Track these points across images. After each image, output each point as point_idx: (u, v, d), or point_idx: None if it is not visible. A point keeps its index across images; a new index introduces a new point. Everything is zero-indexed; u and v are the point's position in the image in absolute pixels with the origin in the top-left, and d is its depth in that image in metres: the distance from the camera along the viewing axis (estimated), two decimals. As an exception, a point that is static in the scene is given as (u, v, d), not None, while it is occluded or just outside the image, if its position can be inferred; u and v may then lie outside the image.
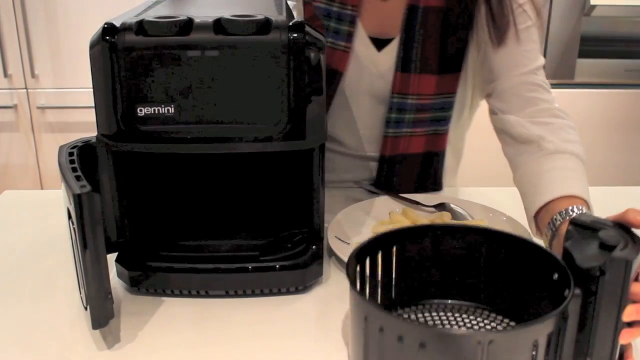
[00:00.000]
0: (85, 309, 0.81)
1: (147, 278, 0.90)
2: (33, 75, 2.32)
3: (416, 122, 1.19)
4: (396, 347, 0.66)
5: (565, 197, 0.92)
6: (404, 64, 1.15)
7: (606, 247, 0.70)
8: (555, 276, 0.76)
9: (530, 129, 1.04)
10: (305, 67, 0.81)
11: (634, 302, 0.71)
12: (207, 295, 0.90)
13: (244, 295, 0.90)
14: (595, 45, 2.44)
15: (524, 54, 1.11)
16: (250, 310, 0.88)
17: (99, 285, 0.77)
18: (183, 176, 0.97)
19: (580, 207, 0.89)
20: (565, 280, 0.73)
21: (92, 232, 0.74)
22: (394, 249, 0.83)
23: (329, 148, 1.24)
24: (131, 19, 0.81)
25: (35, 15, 2.26)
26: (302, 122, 0.83)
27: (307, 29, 0.81)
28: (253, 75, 0.80)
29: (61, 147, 0.86)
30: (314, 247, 0.92)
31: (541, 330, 0.67)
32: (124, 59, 0.80)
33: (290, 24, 0.80)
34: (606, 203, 1.25)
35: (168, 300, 0.90)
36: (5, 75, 2.32)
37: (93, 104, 0.84)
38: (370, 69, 1.18)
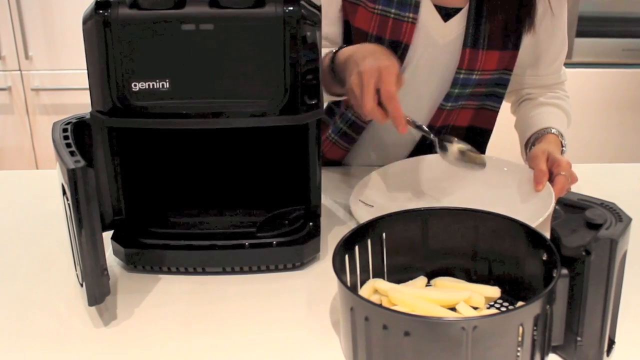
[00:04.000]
0: (82, 285, 0.81)
1: (144, 256, 0.89)
2: (27, 56, 2.30)
3: (472, 96, 1.18)
4: (382, 335, 0.67)
5: (544, 128, 1.17)
6: (473, 39, 1.12)
7: (592, 226, 0.71)
8: (545, 257, 0.76)
9: (532, 93, 1.25)
10: (301, 41, 0.80)
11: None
12: (204, 272, 0.90)
13: (241, 272, 0.90)
14: (593, 24, 2.43)
15: (561, 43, 1.21)
16: (247, 287, 0.88)
17: (94, 261, 0.76)
18: (179, 152, 0.97)
19: (550, 130, 1.16)
20: (554, 260, 0.73)
21: (87, 207, 0.74)
22: (384, 234, 0.83)
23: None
24: (124, -8, 0.80)
25: (29, -4, 2.24)
26: (297, 97, 0.82)
27: (303, 2, 0.80)
28: (248, 49, 0.80)
29: (55, 124, 0.85)
30: (311, 223, 0.92)
31: (526, 314, 0.67)
32: (118, 34, 0.79)
33: (286, -4, 0.79)
34: (603, 180, 1.25)
35: (165, 278, 0.89)
36: (-1, 57, 2.31)
37: (88, 86, 0.84)
38: (435, 40, 1.14)
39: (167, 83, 0.80)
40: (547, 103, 1.22)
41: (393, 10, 1.12)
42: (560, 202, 0.76)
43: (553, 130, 1.15)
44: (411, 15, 1.11)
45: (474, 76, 1.14)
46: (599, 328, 0.72)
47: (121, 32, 0.79)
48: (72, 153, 0.76)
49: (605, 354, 0.74)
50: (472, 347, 0.65)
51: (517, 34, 1.15)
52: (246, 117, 0.82)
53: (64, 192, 0.78)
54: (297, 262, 0.90)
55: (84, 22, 0.81)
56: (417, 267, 0.86)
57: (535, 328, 0.68)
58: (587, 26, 2.41)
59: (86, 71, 0.83)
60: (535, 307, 0.67)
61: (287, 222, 0.92)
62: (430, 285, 0.85)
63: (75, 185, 0.72)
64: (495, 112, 1.23)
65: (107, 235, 0.90)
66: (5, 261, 0.95)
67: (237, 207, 0.96)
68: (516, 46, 1.16)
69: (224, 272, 0.90)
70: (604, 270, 0.69)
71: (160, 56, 0.79)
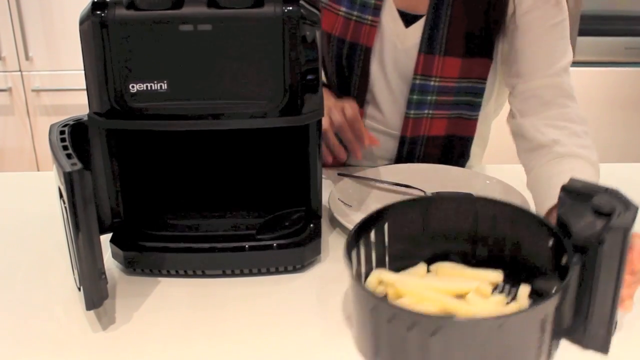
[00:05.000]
0: (79, 289, 0.80)
1: (142, 258, 0.89)
2: (27, 57, 2.29)
3: (439, 105, 1.15)
4: (407, 335, 0.66)
5: None
6: (428, 44, 1.12)
7: (601, 214, 0.71)
8: (550, 243, 0.76)
9: (545, 134, 1.04)
10: (300, 41, 0.79)
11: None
12: (204, 275, 0.89)
13: (241, 274, 0.89)
14: (595, 23, 2.42)
15: (551, 51, 1.09)
16: (247, 290, 0.87)
17: (92, 265, 0.75)
18: (177, 154, 0.96)
19: None
20: (560, 247, 0.73)
21: (84, 210, 0.73)
22: (386, 224, 0.83)
23: (366, 124, 1.22)
24: (122, -8, 0.79)
25: (29, -4, 2.24)
26: (297, 98, 0.81)
27: (302, 2, 0.79)
28: (247, 49, 0.79)
29: (52, 126, 0.85)
30: (311, 225, 0.91)
31: (549, 306, 0.67)
32: (115, 34, 0.78)
33: (285, -4, 0.79)
34: (606, 180, 1.24)
35: (164, 281, 0.89)
36: (-1, 57, 2.30)
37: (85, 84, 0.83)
38: (396, 44, 1.15)
39: (165, 84, 0.79)
40: (574, 155, 1.01)
41: (355, 13, 1.13)
42: (564, 189, 0.75)
43: None
44: (370, 18, 1.13)
45: (431, 82, 1.13)
46: (608, 312, 0.73)
47: (118, 33, 0.78)
48: (69, 156, 0.76)
49: (613, 330, 0.75)
50: (498, 343, 0.66)
51: (487, 41, 1.11)
52: (246, 118, 0.82)
53: (61, 195, 0.77)
54: (298, 265, 0.90)
55: (81, 22, 0.80)
56: (416, 254, 0.86)
57: (553, 319, 0.69)
58: (589, 25, 2.41)
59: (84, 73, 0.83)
60: (555, 299, 0.68)
61: (287, 223, 0.91)
62: (430, 272, 0.86)
63: (72, 189, 0.72)
64: (473, 121, 1.19)
65: (106, 238, 0.90)
66: (3, 264, 0.94)
67: (237, 209, 0.95)
68: (486, 53, 1.12)
69: (224, 274, 0.89)
70: (616, 258, 0.70)
71: (158, 57, 0.79)
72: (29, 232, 1.03)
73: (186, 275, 0.89)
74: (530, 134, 1.06)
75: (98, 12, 0.78)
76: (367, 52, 1.15)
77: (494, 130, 1.33)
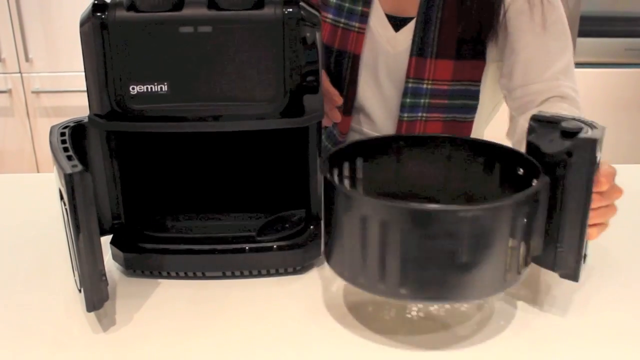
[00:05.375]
0: (80, 291, 0.80)
1: (143, 260, 0.88)
2: (27, 59, 2.29)
3: (432, 108, 1.15)
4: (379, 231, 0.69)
5: None
6: (419, 48, 1.11)
7: (569, 134, 0.74)
8: (521, 171, 0.79)
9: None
10: (301, 43, 0.79)
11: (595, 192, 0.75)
12: (204, 276, 0.89)
13: (241, 276, 0.89)
14: (595, 24, 2.42)
15: (545, 54, 1.08)
16: (247, 291, 0.87)
17: (92, 267, 0.75)
18: (178, 156, 0.96)
19: None
20: (531, 173, 0.76)
21: (85, 212, 0.73)
22: (358, 160, 0.86)
23: (356, 129, 1.22)
24: (122, -6, 0.79)
25: (29, -2, 2.24)
26: (298, 99, 0.81)
27: (302, 3, 0.79)
28: (247, 51, 0.79)
29: (52, 127, 0.85)
30: (312, 226, 0.91)
31: (519, 208, 0.69)
32: (115, 36, 0.78)
33: (285, -2, 0.79)
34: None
35: (164, 282, 0.89)
36: (-1, 59, 2.30)
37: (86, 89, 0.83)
38: (386, 49, 1.14)
39: (166, 86, 0.79)
40: (553, 99, 1.07)
41: (343, 20, 1.13)
42: (533, 118, 0.78)
43: None
44: (358, 24, 1.12)
45: (424, 85, 1.12)
46: (578, 233, 0.75)
47: (119, 34, 0.78)
48: (69, 157, 0.76)
49: (583, 260, 0.77)
50: (470, 236, 0.68)
51: (479, 43, 1.11)
52: (246, 119, 0.82)
53: (62, 197, 0.77)
54: (298, 266, 0.90)
55: (81, 24, 0.80)
56: (392, 191, 0.89)
57: (520, 233, 0.71)
58: (589, 26, 2.41)
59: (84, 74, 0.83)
60: (522, 196, 0.69)
61: (287, 225, 0.91)
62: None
63: (73, 190, 0.72)
64: (469, 123, 1.18)
65: (106, 240, 0.90)
66: (4, 266, 0.94)
67: (237, 211, 0.95)
68: (479, 55, 1.12)
69: (224, 276, 0.89)
70: (584, 171, 0.72)
71: (158, 59, 0.79)
72: (29, 234, 1.03)
73: (186, 277, 0.89)
74: (522, 126, 1.07)
75: (98, 14, 0.78)
76: (356, 59, 1.14)
77: (489, 131, 1.33)
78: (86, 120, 0.85)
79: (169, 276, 0.89)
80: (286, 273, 0.90)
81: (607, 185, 0.78)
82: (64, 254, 0.88)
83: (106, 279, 0.79)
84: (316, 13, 0.81)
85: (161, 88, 0.80)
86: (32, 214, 1.09)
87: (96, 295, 0.77)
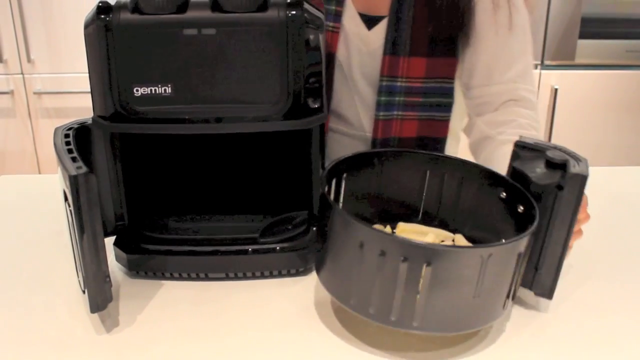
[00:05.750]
0: (84, 292, 0.80)
1: (146, 261, 0.89)
2: (29, 60, 2.29)
3: (407, 106, 1.15)
4: (400, 267, 0.69)
5: None
6: (392, 46, 1.12)
7: (555, 165, 0.77)
8: (503, 195, 0.83)
9: (491, 127, 1.10)
10: (304, 45, 0.80)
11: None
12: (207, 278, 0.89)
13: (244, 277, 0.89)
14: (596, 26, 2.42)
15: (505, 57, 1.10)
16: (250, 293, 0.87)
17: (96, 268, 0.76)
18: (181, 157, 0.96)
19: None
20: (514, 198, 0.80)
21: (89, 213, 0.73)
22: (344, 177, 0.88)
23: (334, 128, 1.22)
24: (126, -3, 0.80)
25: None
26: (301, 101, 0.82)
27: (306, 6, 0.80)
28: (251, 53, 0.79)
29: (57, 129, 0.85)
30: (314, 228, 0.91)
31: (525, 241, 0.72)
32: (120, 38, 0.79)
33: (288, 1, 0.79)
34: (607, 183, 1.24)
35: (167, 284, 0.89)
36: (1, 60, 2.30)
37: (90, 90, 0.83)
38: (360, 47, 1.15)
39: (170, 88, 0.80)
40: (509, 141, 1.04)
41: None
42: (518, 144, 0.82)
43: None
44: (332, 24, 1.13)
45: (398, 83, 1.13)
46: (557, 259, 0.79)
47: (123, 37, 0.78)
48: (73, 159, 0.76)
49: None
50: (484, 272, 0.70)
51: (451, 41, 1.12)
52: (249, 122, 0.82)
53: (66, 199, 0.77)
54: (301, 268, 0.90)
55: (86, 26, 0.80)
56: (370, 214, 0.92)
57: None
58: (590, 28, 2.41)
59: (88, 76, 0.83)
60: (527, 238, 0.73)
61: (290, 227, 0.91)
62: (394, 232, 0.91)
63: (77, 192, 0.72)
64: (445, 122, 1.18)
65: (110, 241, 0.90)
66: (7, 267, 0.94)
67: (240, 212, 0.95)
68: (451, 53, 1.12)
69: (227, 277, 0.89)
70: (572, 204, 0.76)
71: (162, 61, 0.79)
72: (30, 235, 1.03)
73: (189, 278, 0.89)
74: (481, 130, 1.12)
75: (103, 16, 0.78)
76: (330, 57, 1.15)
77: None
78: (90, 121, 0.85)
79: (171, 277, 0.89)
80: (289, 275, 0.90)
81: (584, 214, 0.85)
82: (66, 255, 0.88)
83: (110, 280, 0.79)
84: (319, 15, 0.82)
85: (165, 90, 0.80)
86: (33, 215, 1.09)
87: (100, 296, 0.77)
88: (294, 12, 0.78)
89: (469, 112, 1.18)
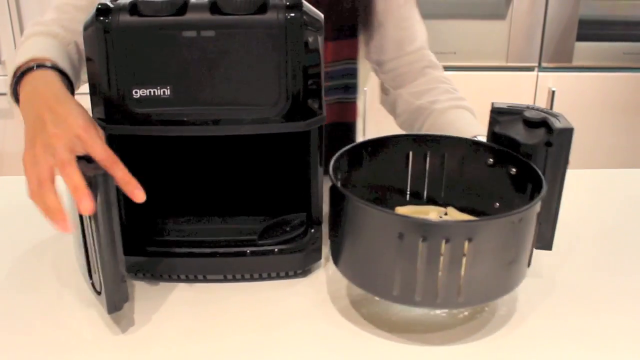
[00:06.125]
0: (99, 293, 0.80)
1: (145, 263, 0.89)
2: (27, 61, 2.29)
3: None
4: (441, 247, 0.71)
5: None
6: None
7: (535, 124, 0.81)
8: (490, 161, 0.86)
9: (421, 98, 1.15)
10: (303, 47, 0.80)
11: None
12: (205, 280, 0.89)
13: (243, 279, 0.89)
14: (593, 28, 2.43)
15: (412, 28, 1.17)
16: (249, 295, 0.87)
17: (114, 269, 0.76)
18: (180, 159, 0.96)
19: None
20: (501, 162, 0.83)
21: (108, 214, 0.74)
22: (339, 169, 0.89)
23: None
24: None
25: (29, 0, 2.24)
26: (300, 103, 0.82)
27: (305, 7, 0.80)
28: (250, 55, 0.79)
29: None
30: (312, 230, 0.91)
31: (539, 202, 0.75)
32: (118, 40, 0.79)
33: (288, 3, 0.79)
34: (605, 185, 1.25)
35: (166, 285, 0.89)
36: (-1, 61, 2.30)
37: (88, 92, 0.83)
38: None
39: (169, 90, 0.80)
40: (455, 106, 1.13)
41: None
42: (494, 110, 0.85)
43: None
44: None
45: None
46: (554, 210, 0.83)
47: (122, 39, 0.79)
48: (88, 160, 0.76)
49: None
50: (518, 238, 0.74)
51: (352, 22, 1.15)
52: (248, 123, 0.82)
53: None
54: (299, 270, 0.90)
55: (85, 28, 0.80)
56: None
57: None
58: (587, 30, 2.41)
59: (87, 78, 0.83)
60: (543, 194, 0.76)
61: (288, 229, 0.91)
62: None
63: (96, 193, 0.72)
64: (353, 104, 1.22)
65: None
66: (11, 270, 0.94)
67: (239, 214, 0.95)
68: (353, 34, 1.16)
69: (226, 279, 0.89)
70: (562, 158, 0.80)
71: (161, 63, 0.79)
72: (30, 237, 1.03)
73: (188, 280, 0.89)
74: (409, 101, 1.16)
75: (102, 18, 0.78)
76: None
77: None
78: (89, 123, 0.85)
79: (170, 279, 0.89)
80: (287, 276, 0.90)
81: None
82: (69, 257, 0.88)
83: (126, 280, 0.79)
84: (318, 17, 0.82)
85: (164, 92, 0.80)
86: (32, 216, 1.09)
87: (117, 296, 0.78)
88: (292, 15, 0.79)
89: (387, 86, 1.21)
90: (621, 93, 2.47)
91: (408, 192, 0.96)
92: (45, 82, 0.86)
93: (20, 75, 0.89)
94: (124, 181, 0.74)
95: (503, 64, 2.43)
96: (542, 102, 2.45)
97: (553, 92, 2.41)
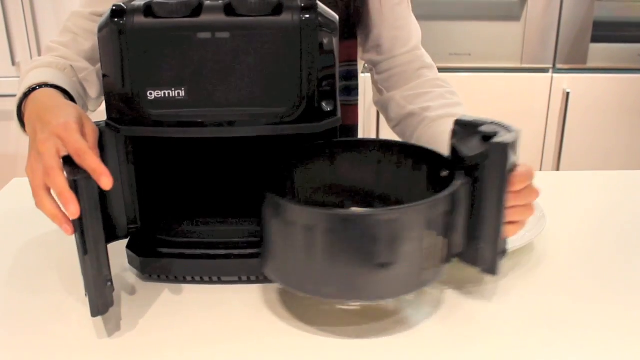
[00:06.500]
0: (86, 296, 0.80)
1: (159, 265, 0.89)
2: (41, 63, 2.30)
3: None
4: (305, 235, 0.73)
5: None
6: None
7: (488, 138, 0.79)
8: (445, 173, 0.85)
9: (413, 103, 1.13)
10: (318, 48, 0.80)
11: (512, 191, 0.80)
12: (220, 281, 0.89)
13: (257, 281, 0.89)
14: (608, 30, 2.42)
15: (407, 28, 1.17)
16: (263, 296, 0.87)
17: (97, 273, 0.76)
18: (194, 160, 0.96)
19: None
20: (454, 171, 0.82)
21: (90, 218, 0.74)
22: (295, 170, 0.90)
23: None
24: (140, 0, 0.80)
25: (43, 2, 2.25)
26: (314, 105, 0.81)
27: (320, 9, 0.79)
28: (265, 57, 0.79)
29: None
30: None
31: (433, 208, 0.75)
32: (133, 42, 0.79)
33: (303, 4, 0.79)
34: (620, 187, 1.24)
35: (180, 287, 0.89)
36: (13, 63, 2.31)
37: (103, 94, 0.83)
38: None
39: (183, 92, 0.80)
40: (446, 115, 1.09)
41: None
42: (457, 122, 0.83)
43: None
44: None
45: None
46: (494, 231, 0.80)
47: (136, 40, 0.79)
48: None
49: (500, 256, 0.82)
50: (387, 239, 0.72)
51: (350, 22, 1.14)
52: (263, 125, 0.82)
53: None
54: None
55: (99, 30, 0.80)
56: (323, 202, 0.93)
57: (442, 230, 0.77)
58: (602, 31, 2.40)
59: (101, 79, 0.83)
60: (440, 200, 0.75)
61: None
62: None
63: (78, 197, 0.72)
64: (354, 106, 1.21)
65: (123, 245, 0.90)
66: (16, 269, 0.94)
67: (253, 216, 0.94)
68: (351, 35, 1.15)
69: (240, 281, 0.89)
70: (497, 173, 0.78)
71: (176, 64, 0.79)
72: (42, 237, 1.03)
73: (202, 281, 0.89)
74: (401, 105, 1.14)
75: (117, 20, 0.78)
76: None
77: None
78: (103, 124, 0.85)
79: (184, 281, 0.89)
80: (301, 278, 0.90)
81: (520, 185, 0.81)
82: (76, 258, 0.88)
83: (112, 284, 0.79)
84: (333, 19, 0.82)
85: (178, 93, 0.80)
86: (46, 217, 1.09)
87: (100, 300, 0.77)
88: (307, 16, 0.78)
89: (381, 87, 1.19)
90: (636, 94, 2.46)
91: (375, 198, 0.95)
92: (38, 98, 0.89)
93: (20, 102, 0.92)
94: (91, 169, 0.74)
95: (518, 65, 2.42)
96: (556, 104, 2.44)
97: (568, 93, 2.40)
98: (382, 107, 1.20)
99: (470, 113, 1.10)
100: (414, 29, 1.19)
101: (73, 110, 0.81)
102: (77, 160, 0.74)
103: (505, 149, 0.77)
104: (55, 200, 0.75)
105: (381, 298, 0.80)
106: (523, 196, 0.82)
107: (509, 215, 0.81)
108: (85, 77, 1.06)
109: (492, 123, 0.82)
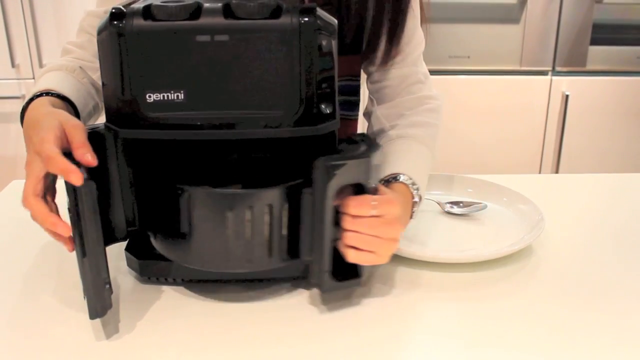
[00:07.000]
0: (84, 298, 0.80)
1: (157, 266, 0.89)
2: (41, 65, 2.31)
3: None
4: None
5: (392, 174, 1.00)
6: None
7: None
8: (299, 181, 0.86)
9: (388, 119, 1.12)
10: (317, 51, 0.80)
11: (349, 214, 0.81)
12: (220, 282, 0.89)
13: (256, 282, 0.89)
14: (607, 32, 2.42)
15: (413, 35, 1.13)
16: (262, 298, 0.87)
17: (95, 275, 0.76)
18: (193, 163, 0.96)
19: (398, 176, 0.99)
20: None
21: (88, 221, 0.74)
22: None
23: None
24: (139, 3, 0.80)
25: (43, 4, 2.25)
26: (313, 108, 0.82)
27: (319, 12, 0.80)
28: (264, 59, 0.79)
29: (67, 135, 0.85)
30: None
31: (270, 196, 0.81)
32: (132, 45, 0.79)
33: (301, 7, 0.79)
34: (619, 190, 1.24)
35: (179, 289, 0.89)
36: (13, 65, 2.32)
37: (102, 96, 0.83)
38: None
39: (182, 94, 0.80)
40: (402, 135, 1.08)
41: None
42: (343, 141, 0.87)
43: (402, 178, 0.99)
44: None
45: None
46: (320, 248, 0.82)
47: (136, 43, 0.79)
48: (76, 165, 0.76)
49: (328, 275, 0.83)
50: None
51: (357, 38, 1.12)
52: (261, 128, 0.82)
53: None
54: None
55: (99, 33, 0.80)
56: None
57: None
58: (601, 34, 2.40)
59: (100, 82, 0.83)
60: (270, 192, 0.81)
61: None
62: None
63: (76, 199, 0.72)
64: (354, 121, 1.21)
65: (121, 246, 0.90)
66: (16, 271, 0.94)
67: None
68: (356, 50, 1.13)
69: (238, 282, 0.89)
70: (320, 192, 0.81)
71: (175, 67, 0.79)
72: (42, 239, 1.03)
73: (201, 282, 0.89)
74: (378, 121, 1.14)
75: (116, 22, 0.78)
76: None
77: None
78: (102, 127, 0.85)
79: (183, 282, 0.89)
80: (303, 279, 0.90)
81: (356, 211, 0.81)
82: (73, 261, 0.88)
83: (110, 287, 0.79)
84: (332, 21, 0.82)
85: (177, 96, 0.80)
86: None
87: (99, 303, 0.77)
88: (306, 19, 0.78)
89: (371, 97, 1.18)
90: (635, 97, 2.46)
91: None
92: (31, 109, 0.89)
93: (22, 113, 0.92)
94: (60, 170, 0.76)
95: (517, 68, 2.42)
96: (556, 106, 2.44)
97: (567, 96, 2.40)
98: (368, 119, 1.19)
99: (442, 133, 1.14)
100: (417, 43, 1.14)
101: (52, 120, 0.82)
102: (47, 168, 0.78)
103: (324, 170, 0.79)
104: (42, 203, 0.80)
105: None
106: (366, 224, 0.81)
107: (347, 239, 0.81)
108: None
109: (362, 140, 0.85)
